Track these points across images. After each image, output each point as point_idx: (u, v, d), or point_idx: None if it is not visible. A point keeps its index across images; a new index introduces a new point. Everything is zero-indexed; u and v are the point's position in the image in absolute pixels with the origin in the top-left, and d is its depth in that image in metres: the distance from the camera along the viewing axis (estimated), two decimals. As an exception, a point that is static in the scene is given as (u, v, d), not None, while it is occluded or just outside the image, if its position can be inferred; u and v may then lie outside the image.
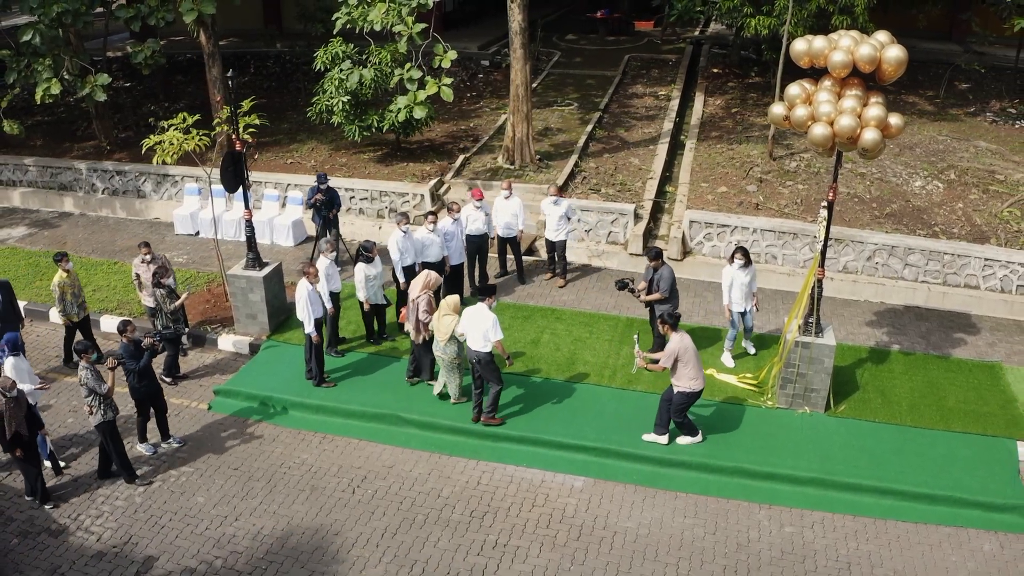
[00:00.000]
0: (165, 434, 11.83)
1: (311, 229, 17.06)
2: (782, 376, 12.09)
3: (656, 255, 12.86)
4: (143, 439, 11.70)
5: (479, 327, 11.36)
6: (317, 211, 15.68)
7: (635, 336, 11.86)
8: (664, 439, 11.44)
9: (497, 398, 11.78)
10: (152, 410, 11.64)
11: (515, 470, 11.28)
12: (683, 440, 11.44)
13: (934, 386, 12.70)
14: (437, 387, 12.38)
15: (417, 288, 12.16)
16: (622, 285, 13.18)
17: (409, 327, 12.33)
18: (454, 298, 11.82)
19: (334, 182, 17.36)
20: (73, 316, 13.16)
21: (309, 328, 12.27)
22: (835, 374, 12.16)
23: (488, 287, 11.71)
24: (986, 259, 14.93)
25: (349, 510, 10.61)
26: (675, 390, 11.10)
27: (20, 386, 10.67)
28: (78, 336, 13.31)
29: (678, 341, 10.90)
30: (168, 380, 13.03)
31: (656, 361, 11.20)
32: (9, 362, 11.04)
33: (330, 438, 11.94)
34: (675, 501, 10.77)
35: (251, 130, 14.16)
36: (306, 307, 12.17)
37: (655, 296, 12.81)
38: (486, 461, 11.45)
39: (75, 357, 13.17)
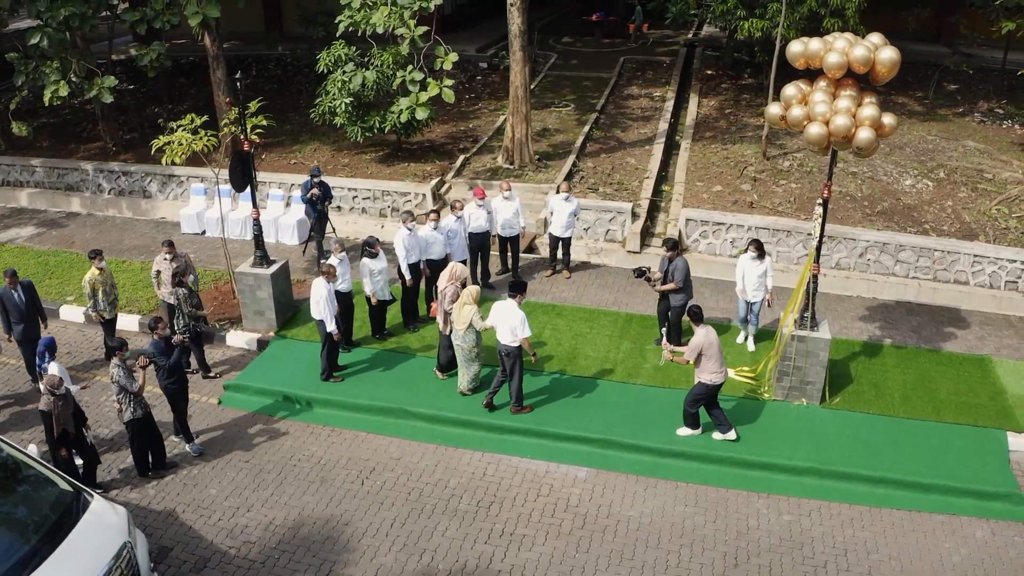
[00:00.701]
0: (177, 431, 11.93)
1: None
2: (779, 369, 12.33)
3: (672, 245, 13.16)
4: (189, 439, 11.80)
5: (508, 322, 11.63)
6: (312, 205, 15.98)
7: (663, 329, 12.12)
8: (732, 434, 11.58)
9: (519, 391, 12.05)
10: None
11: (520, 461, 11.48)
12: (682, 431, 11.66)
13: (926, 379, 12.95)
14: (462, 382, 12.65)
15: (444, 280, 12.45)
16: (640, 273, 13.45)
17: (438, 318, 12.61)
18: (475, 288, 12.11)
19: (337, 182, 17.66)
20: (104, 313, 13.25)
21: (331, 326, 12.44)
22: (830, 367, 12.38)
23: (519, 284, 11.91)
24: (975, 255, 15.20)
25: (358, 501, 10.78)
26: (696, 381, 11.31)
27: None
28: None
29: (703, 335, 11.10)
30: (212, 375, 13.32)
31: (681, 353, 11.41)
32: (53, 367, 11.13)
33: (338, 431, 12.12)
34: (676, 490, 10.97)
35: (258, 130, 14.40)
36: (326, 305, 12.37)
37: (670, 286, 13.09)
38: (491, 453, 11.64)
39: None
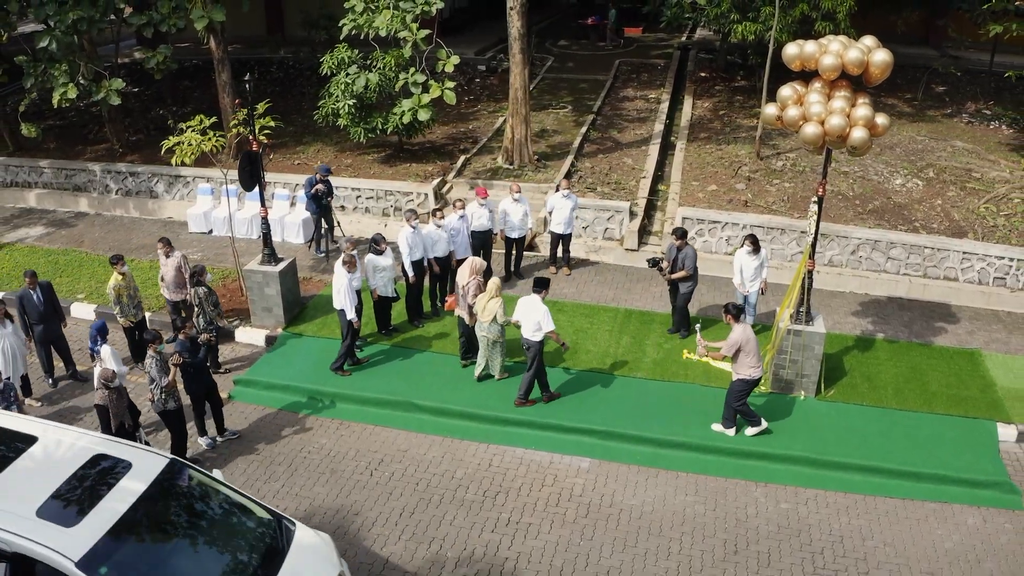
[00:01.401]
0: (221, 428, 12.04)
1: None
2: (775, 362, 12.56)
3: (682, 235, 13.51)
4: (203, 433, 11.94)
5: (532, 317, 11.90)
6: (317, 200, 16.27)
7: (697, 325, 12.38)
8: (732, 431, 11.80)
9: (530, 385, 12.31)
10: (208, 405, 11.85)
11: (524, 452, 11.68)
12: (750, 431, 11.75)
13: (917, 372, 13.22)
14: (478, 370, 12.92)
15: (466, 274, 12.75)
16: (653, 263, 13.80)
17: (461, 312, 12.88)
18: (497, 280, 12.44)
19: (341, 182, 17.94)
20: (131, 317, 13.35)
21: (351, 315, 12.73)
22: (824, 361, 12.62)
23: (543, 280, 12.20)
24: (964, 253, 15.50)
25: (367, 491, 10.96)
26: (735, 377, 11.47)
27: (115, 369, 11.03)
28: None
29: (741, 332, 11.24)
30: (222, 371, 13.52)
31: (718, 349, 11.62)
32: (106, 350, 11.30)
33: (347, 424, 12.31)
34: (676, 480, 11.19)
35: (266, 131, 14.66)
36: (346, 296, 12.65)
37: (680, 274, 13.45)
38: (496, 444, 11.85)
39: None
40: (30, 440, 8.68)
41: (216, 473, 9.41)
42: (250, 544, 8.40)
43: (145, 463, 8.56)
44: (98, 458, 8.51)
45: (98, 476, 8.31)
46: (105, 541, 7.59)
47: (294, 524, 8.88)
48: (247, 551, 8.30)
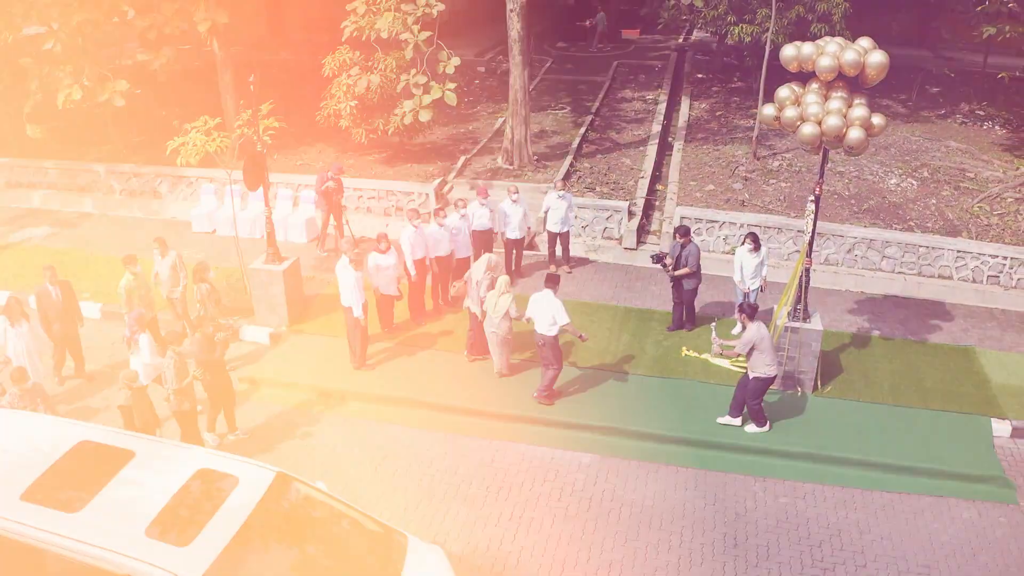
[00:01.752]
0: (233, 426, 12.11)
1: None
2: (773, 359, 12.83)
3: (685, 232, 13.70)
4: (210, 429, 12.00)
5: (546, 312, 12.05)
6: (327, 198, 16.41)
7: (712, 324, 12.53)
8: (738, 421, 11.95)
9: (553, 379, 12.44)
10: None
11: (526, 448, 11.80)
12: (750, 429, 11.92)
13: (913, 368, 13.39)
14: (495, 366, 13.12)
15: (481, 270, 12.91)
16: (657, 259, 13.96)
17: (471, 305, 13.04)
18: (506, 278, 12.63)
19: (344, 181, 18.08)
20: None
21: (358, 312, 12.89)
22: (821, 357, 12.77)
23: (554, 276, 12.41)
24: (958, 251, 15.70)
25: (371, 488, 11.04)
26: (751, 375, 11.60)
27: (148, 360, 11.16)
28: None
29: (756, 331, 11.38)
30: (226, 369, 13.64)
31: (732, 348, 11.79)
32: (144, 339, 11.41)
33: (351, 420, 12.40)
34: (676, 475, 11.32)
35: (270, 132, 14.80)
36: (352, 292, 12.81)
37: (684, 271, 13.64)
38: (499, 440, 11.97)
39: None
40: (127, 455, 8.38)
41: (320, 484, 9.09)
42: (364, 558, 8.20)
43: (252, 477, 8.26)
44: (202, 473, 8.23)
45: (205, 492, 8.05)
46: (221, 560, 7.32)
47: (405, 536, 8.65)
48: (362, 566, 8.09)
